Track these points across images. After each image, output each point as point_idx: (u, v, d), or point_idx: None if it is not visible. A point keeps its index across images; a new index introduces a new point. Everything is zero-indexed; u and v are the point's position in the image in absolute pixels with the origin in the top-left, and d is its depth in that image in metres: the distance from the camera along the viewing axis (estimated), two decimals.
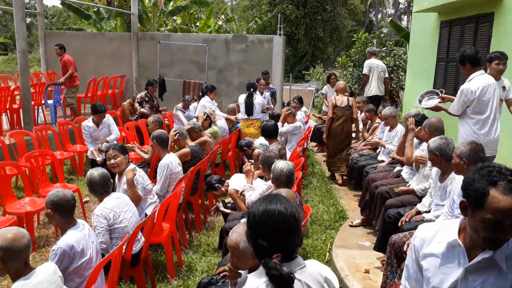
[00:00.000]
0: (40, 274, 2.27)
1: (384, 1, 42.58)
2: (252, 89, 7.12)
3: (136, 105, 7.94)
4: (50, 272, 2.34)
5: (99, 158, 5.70)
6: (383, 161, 5.38)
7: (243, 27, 25.42)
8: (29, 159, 5.07)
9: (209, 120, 6.42)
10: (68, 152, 6.58)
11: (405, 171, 4.59)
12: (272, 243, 1.44)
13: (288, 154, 5.88)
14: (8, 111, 7.91)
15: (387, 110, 5.59)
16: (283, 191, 3.09)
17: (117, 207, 3.37)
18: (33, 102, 7.74)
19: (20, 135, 6.13)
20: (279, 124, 6.30)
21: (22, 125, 7.44)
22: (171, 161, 4.47)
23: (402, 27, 13.48)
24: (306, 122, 8.38)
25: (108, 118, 6.15)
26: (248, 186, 4.20)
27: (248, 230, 1.53)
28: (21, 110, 7.51)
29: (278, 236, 1.44)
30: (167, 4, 15.56)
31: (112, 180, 3.54)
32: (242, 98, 7.15)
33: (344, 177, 6.68)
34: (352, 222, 4.93)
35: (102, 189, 3.38)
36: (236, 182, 4.50)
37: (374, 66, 8.42)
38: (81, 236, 2.78)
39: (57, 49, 8.71)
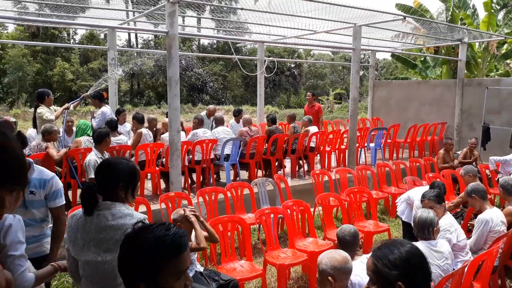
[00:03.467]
0: None
1: None
2: None
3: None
4: None
5: None
6: None
7: None
8: (349, 194, 5.72)
9: None
10: (383, 193, 7.00)
11: None
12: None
13: None
14: (336, 150, 9.17)
15: None
16: None
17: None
18: (357, 144, 8.71)
19: (344, 172, 7.01)
20: None
21: (346, 164, 8.47)
22: (491, 217, 4.07)
23: None
24: None
25: None
26: None
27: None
28: (346, 150, 8.59)
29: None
30: (500, 48, 14.26)
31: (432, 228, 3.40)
32: None
33: None
34: None
35: (417, 232, 3.41)
36: None
37: None
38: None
39: (309, 95, 10.30)
